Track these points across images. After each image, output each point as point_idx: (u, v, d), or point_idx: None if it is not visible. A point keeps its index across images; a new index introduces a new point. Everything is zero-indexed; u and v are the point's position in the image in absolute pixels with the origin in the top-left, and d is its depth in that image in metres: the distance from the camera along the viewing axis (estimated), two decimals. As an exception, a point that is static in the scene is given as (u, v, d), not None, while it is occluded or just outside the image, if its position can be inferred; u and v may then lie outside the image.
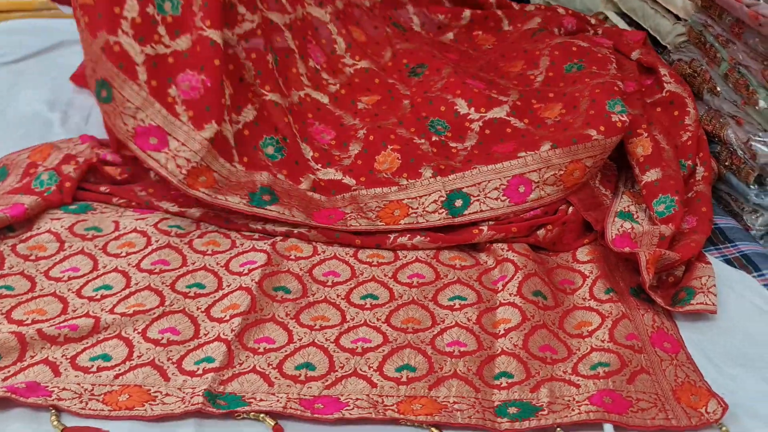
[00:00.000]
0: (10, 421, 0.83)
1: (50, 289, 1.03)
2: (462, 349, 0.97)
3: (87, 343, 0.94)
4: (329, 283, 1.09)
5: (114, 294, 1.03)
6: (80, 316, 0.98)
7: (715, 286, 1.07)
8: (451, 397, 0.90)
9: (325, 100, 1.39)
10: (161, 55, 1.16)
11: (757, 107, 1.24)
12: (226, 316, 1.00)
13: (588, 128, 1.21)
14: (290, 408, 0.86)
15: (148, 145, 1.14)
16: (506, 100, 1.35)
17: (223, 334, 0.96)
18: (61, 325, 0.95)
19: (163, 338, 0.96)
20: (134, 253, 1.11)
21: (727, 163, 1.31)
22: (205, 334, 0.97)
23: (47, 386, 0.87)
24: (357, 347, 0.97)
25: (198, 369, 0.91)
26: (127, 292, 1.03)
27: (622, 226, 1.17)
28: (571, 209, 1.21)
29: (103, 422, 0.83)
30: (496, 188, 1.19)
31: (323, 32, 1.48)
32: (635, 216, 1.20)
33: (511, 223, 1.18)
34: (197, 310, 1.01)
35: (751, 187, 1.26)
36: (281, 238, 1.17)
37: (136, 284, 1.05)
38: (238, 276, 1.08)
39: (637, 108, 1.30)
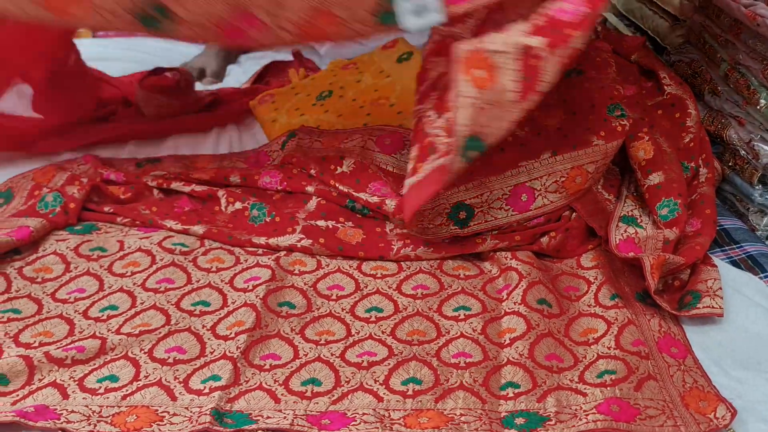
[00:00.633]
0: (20, 445, 0.84)
1: (57, 311, 1.04)
2: (468, 360, 0.97)
3: (94, 364, 0.94)
4: (334, 297, 1.09)
5: (120, 314, 1.03)
6: (87, 338, 0.98)
7: (721, 289, 1.06)
8: (458, 409, 0.89)
9: None
10: None
11: (758, 107, 1.24)
12: (231, 333, 1.00)
13: (588, 134, 1.21)
14: (297, 425, 0.86)
15: None
16: None
17: (229, 351, 0.97)
18: (69, 347, 0.96)
19: (169, 357, 0.96)
20: (139, 272, 1.12)
21: (730, 164, 1.31)
22: (211, 352, 0.98)
23: (56, 409, 0.87)
24: (362, 361, 0.97)
25: (205, 387, 0.91)
26: (133, 311, 1.04)
27: (626, 231, 1.16)
28: (574, 215, 1.21)
29: (111, 444, 0.84)
30: (498, 198, 1.18)
31: None
32: (639, 220, 1.19)
33: (514, 232, 1.18)
34: (203, 328, 1.02)
35: (756, 187, 1.26)
36: (285, 252, 1.17)
37: (142, 303, 1.05)
38: (242, 292, 1.08)
39: (637, 111, 1.29)
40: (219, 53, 1.89)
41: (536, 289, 1.08)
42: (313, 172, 1.27)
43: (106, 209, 1.24)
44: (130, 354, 0.96)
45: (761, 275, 1.14)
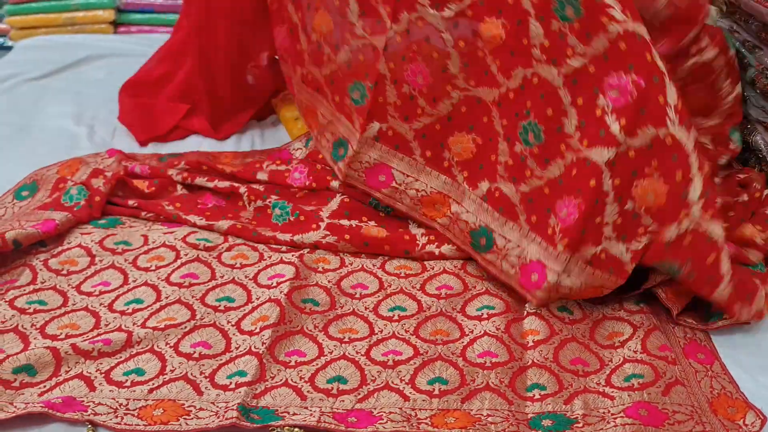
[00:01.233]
0: (47, 436, 0.84)
1: (82, 303, 1.04)
2: (493, 360, 0.97)
3: (120, 357, 0.94)
4: (357, 296, 1.09)
5: (145, 308, 1.04)
6: (113, 331, 0.99)
7: (747, 295, 1.06)
8: (485, 409, 0.89)
9: None
10: None
11: (786, 113, 1.23)
12: (256, 328, 1.00)
13: None
14: (324, 422, 0.86)
15: None
16: None
17: (254, 347, 0.97)
18: (95, 339, 0.96)
19: (195, 352, 0.96)
20: (164, 266, 1.12)
21: (756, 170, 1.30)
22: (236, 348, 0.97)
23: (83, 401, 0.87)
24: (388, 360, 0.97)
25: (231, 383, 0.91)
26: (158, 305, 1.04)
27: None
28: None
29: (138, 437, 0.84)
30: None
31: None
32: None
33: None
34: (228, 323, 1.02)
35: (782, 193, 1.25)
36: (308, 249, 1.17)
37: (167, 298, 1.06)
38: (266, 289, 1.08)
39: None
40: None
41: (558, 294, 1.08)
42: None
43: (130, 203, 1.25)
44: (155, 348, 0.96)
45: (788, 281, 1.13)
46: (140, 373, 0.92)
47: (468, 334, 1.02)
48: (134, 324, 1.00)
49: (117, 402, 0.88)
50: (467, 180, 1.15)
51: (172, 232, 1.19)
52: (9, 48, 2.05)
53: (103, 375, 0.91)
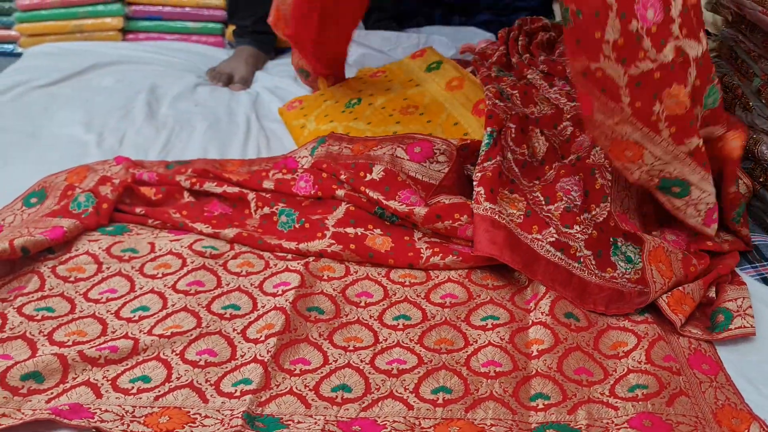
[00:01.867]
0: (54, 442, 0.85)
1: (89, 310, 1.05)
2: (498, 369, 0.97)
3: (127, 364, 0.95)
4: (362, 304, 1.10)
5: (151, 315, 1.04)
6: (119, 338, 0.99)
7: (750, 307, 1.06)
8: (488, 419, 0.89)
9: None
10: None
11: (791, 123, 1.23)
12: (261, 336, 1.01)
13: None
14: (328, 430, 0.86)
15: None
16: None
17: (260, 355, 0.97)
18: (102, 346, 0.96)
19: (200, 360, 0.97)
20: (170, 274, 1.13)
21: (761, 180, 1.30)
22: (242, 356, 0.98)
23: (89, 408, 0.88)
24: (392, 368, 0.97)
25: (236, 391, 0.92)
26: (164, 313, 1.05)
27: None
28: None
29: (144, 444, 0.84)
30: None
31: None
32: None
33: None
34: (233, 331, 1.02)
35: (787, 203, 1.25)
36: (314, 258, 1.18)
37: (173, 305, 1.06)
38: (272, 297, 1.09)
39: None
40: (248, 59, 1.91)
41: (564, 302, 1.08)
42: (343, 177, 1.28)
43: (137, 211, 1.26)
44: (162, 355, 0.97)
45: (793, 292, 1.13)
46: (146, 380, 0.93)
47: (472, 344, 1.02)
48: (141, 331, 1.01)
49: (123, 409, 0.89)
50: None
51: (178, 240, 1.20)
52: (19, 55, 2.07)
53: (109, 382, 0.92)
